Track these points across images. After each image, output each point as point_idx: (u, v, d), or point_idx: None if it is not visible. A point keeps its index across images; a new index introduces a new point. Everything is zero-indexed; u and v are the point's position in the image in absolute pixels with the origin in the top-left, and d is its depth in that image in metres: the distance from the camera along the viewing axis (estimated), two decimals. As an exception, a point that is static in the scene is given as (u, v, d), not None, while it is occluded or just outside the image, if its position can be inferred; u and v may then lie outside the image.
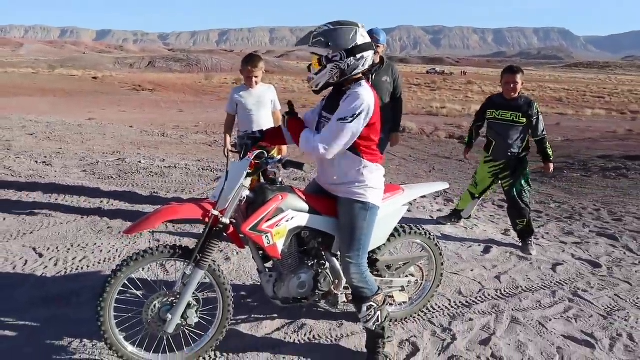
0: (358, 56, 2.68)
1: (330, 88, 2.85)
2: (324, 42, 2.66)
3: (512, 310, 3.78)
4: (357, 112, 2.63)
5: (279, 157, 2.60)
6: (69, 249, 4.46)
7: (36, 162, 7.89)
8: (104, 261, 4.25)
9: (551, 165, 5.19)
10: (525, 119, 5.00)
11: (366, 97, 2.67)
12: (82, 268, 4.13)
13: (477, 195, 5.58)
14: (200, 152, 11.01)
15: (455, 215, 5.79)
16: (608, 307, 3.94)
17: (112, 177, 7.12)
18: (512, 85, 5.02)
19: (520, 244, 5.18)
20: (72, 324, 3.27)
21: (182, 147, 11.69)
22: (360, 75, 2.76)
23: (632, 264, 4.93)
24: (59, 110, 21.36)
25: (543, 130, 5.07)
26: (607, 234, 5.96)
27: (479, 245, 5.16)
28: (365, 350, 3.04)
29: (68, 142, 10.65)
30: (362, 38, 2.70)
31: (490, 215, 6.50)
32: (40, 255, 4.32)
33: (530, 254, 4.98)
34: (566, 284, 4.35)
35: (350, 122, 2.63)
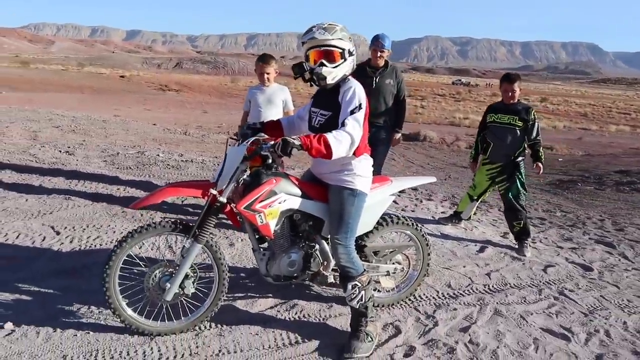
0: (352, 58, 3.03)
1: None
2: (346, 36, 2.96)
3: (497, 303, 3.95)
4: (362, 102, 2.93)
5: (272, 142, 2.83)
6: (84, 229, 4.78)
7: (60, 151, 8.29)
8: (116, 240, 4.54)
9: (541, 166, 5.32)
10: (521, 123, 5.20)
11: (360, 89, 2.99)
12: (95, 246, 4.44)
13: (475, 198, 5.76)
14: (219, 150, 11.32)
15: (456, 217, 5.98)
16: (591, 306, 4.09)
17: (130, 168, 7.47)
18: (510, 93, 5.28)
19: (517, 246, 5.34)
20: (82, 293, 3.56)
21: (203, 145, 12.03)
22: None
23: (624, 270, 5.05)
24: (86, 107, 22.01)
25: (537, 135, 5.24)
26: (605, 241, 6.07)
27: (475, 245, 5.33)
28: (349, 329, 3.26)
29: (92, 135, 11.07)
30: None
31: (493, 219, 6.66)
32: (58, 233, 4.64)
33: (525, 255, 5.14)
34: (554, 283, 4.50)
35: (361, 110, 2.91)
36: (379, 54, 5.61)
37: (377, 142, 5.77)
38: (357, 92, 2.95)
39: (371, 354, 3.11)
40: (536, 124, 5.23)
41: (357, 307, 3.15)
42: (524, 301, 4.06)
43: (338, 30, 2.94)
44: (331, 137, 2.78)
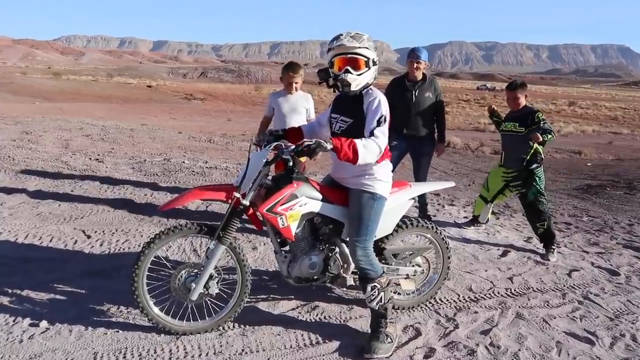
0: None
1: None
2: (372, 46, 3.07)
3: (519, 307, 3.95)
4: (386, 114, 3.04)
5: (293, 146, 2.93)
6: (113, 233, 4.94)
7: (90, 159, 8.54)
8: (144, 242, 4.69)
9: (538, 136, 5.07)
10: (523, 128, 5.22)
11: (384, 99, 3.09)
12: (123, 249, 4.59)
13: (489, 200, 5.77)
14: (243, 157, 11.46)
15: (476, 222, 5.99)
16: (617, 310, 4.05)
17: (157, 175, 7.65)
18: (512, 100, 5.39)
19: (542, 251, 5.31)
20: (111, 293, 3.69)
21: (227, 152, 12.20)
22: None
23: (652, 275, 4.98)
24: (115, 116, 22.52)
25: (548, 130, 5.11)
26: (634, 246, 5.97)
27: (498, 249, 5.32)
28: (369, 330, 3.31)
29: (120, 143, 11.33)
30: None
31: (517, 224, 6.62)
32: (88, 237, 4.82)
33: (549, 260, 5.11)
34: (579, 288, 4.46)
35: (386, 121, 3.02)
36: (415, 65, 5.61)
37: (419, 155, 5.84)
38: (382, 103, 3.04)
39: (391, 354, 3.15)
40: (542, 126, 5.15)
41: (377, 308, 3.21)
42: (547, 305, 4.04)
43: (365, 39, 3.04)
44: (361, 144, 2.89)
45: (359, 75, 3.04)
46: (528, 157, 5.27)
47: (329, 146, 2.84)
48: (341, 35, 3.05)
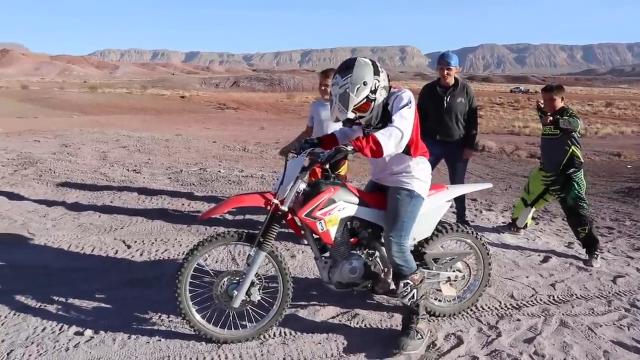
0: (380, 69, 3.07)
1: None
2: (360, 85, 2.98)
3: (563, 314, 3.85)
4: (410, 100, 3.03)
5: (328, 151, 2.94)
6: (152, 242, 5.03)
7: (127, 170, 8.74)
8: (183, 253, 4.74)
9: (549, 117, 5.07)
10: (558, 130, 5.09)
11: (409, 92, 3.09)
12: (163, 258, 4.67)
13: (530, 203, 5.66)
14: (278, 165, 11.52)
15: (514, 225, 5.88)
16: (668, 319, 3.91)
17: (193, 184, 7.77)
18: (549, 102, 5.29)
19: (585, 257, 5.17)
20: (153, 302, 3.75)
21: (262, 160, 12.30)
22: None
23: (702, 280, 4.79)
24: (149, 127, 22.95)
25: (568, 122, 5.00)
26: (682, 251, 5.76)
27: (539, 255, 5.20)
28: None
29: (156, 154, 11.55)
30: (364, 60, 3.08)
31: (557, 229, 6.46)
32: (129, 247, 4.92)
33: (592, 266, 4.97)
34: (625, 295, 4.32)
35: (410, 106, 3.00)
36: (445, 72, 5.55)
37: (454, 160, 5.78)
38: (405, 94, 3.06)
39: (419, 351, 3.17)
40: (568, 118, 5.02)
41: (409, 304, 3.24)
42: (592, 313, 3.93)
43: (350, 93, 2.97)
44: (379, 134, 2.89)
45: (370, 113, 3.09)
46: (564, 162, 5.16)
47: (349, 148, 2.85)
48: (333, 106, 3.06)
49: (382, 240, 3.32)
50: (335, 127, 5.02)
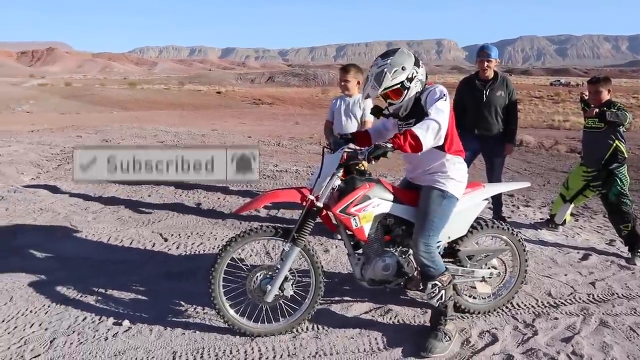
0: (420, 64, 3.08)
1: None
2: (398, 69, 3.00)
3: (603, 314, 3.74)
4: (444, 94, 3.00)
5: (366, 148, 2.93)
6: (189, 236, 5.13)
7: (165, 164, 8.89)
8: (218, 247, 4.81)
9: (594, 110, 4.95)
10: (603, 124, 4.93)
11: (442, 87, 3.05)
12: (199, 252, 4.76)
13: (568, 199, 5.51)
14: (312, 160, 11.56)
15: (552, 221, 5.74)
16: None
17: (229, 179, 7.86)
18: (594, 94, 5.10)
19: (627, 255, 5.02)
20: (188, 295, 3.82)
21: (296, 155, 12.35)
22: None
23: None
24: (186, 122, 23.33)
25: (616, 116, 4.84)
26: None
27: (578, 252, 5.07)
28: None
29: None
30: (407, 51, 3.09)
31: (597, 226, 6.28)
32: (165, 240, 5.02)
33: (635, 264, 4.82)
34: (670, 294, 4.18)
35: (445, 99, 2.97)
36: (485, 64, 5.44)
37: (492, 155, 5.69)
38: (439, 88, 3.04)
39: (447, 353, 3.13)
40: (615, 111, 4.86)
41: (437, 305, 3.20)
42: (635, 313, 3.80)
43: (387, 73, 2.98)
44: (416, 128, 2.87)
45: (402, 100, 3.07)
46: (607, 156, 5.00)
47: (389, 145, 2.83)
48: (365, 85, 3.08)
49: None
50: (351, 123, 5.00)
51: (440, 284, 3.16)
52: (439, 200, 3.13)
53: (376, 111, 3.24)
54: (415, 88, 3.07)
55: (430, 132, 2.85)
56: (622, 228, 5.03)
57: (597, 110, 4.93)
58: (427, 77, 3.14)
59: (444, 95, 2.99)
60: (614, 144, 4.97)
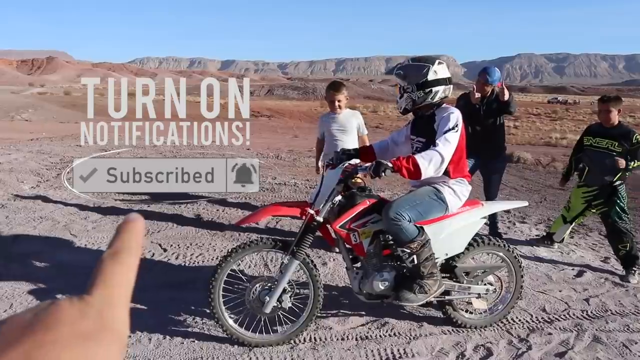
0: (427, 90, 3.14)
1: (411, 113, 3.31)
2: (402, 75, 3.18)
3: (596, 330, 3.79)
4: (458, 123, 3.08)
5: (367, 164, 3.00)
6: (188, 246, 5.17)
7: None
8: (217, 258, 4.86)
9: (623, 162, 4.91)
10: (620, 148, 4.96)
11: (458, 113, 3.13)
12: (198, 262, 4.80)
13: (569, 220, 5.54)
14: (311, 173, 11.57)
15: (548, 238, 5.78)
16: None
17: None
18: (604, 113, 5.09)
19: (621, 272, 5.07)
20: (187, 305, 3.86)
21: (295, 169, 12.40)
22: (439, 101, 3.21)
23: None
24: (185, 133, 23.38)
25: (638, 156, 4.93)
26: None
27: (573, 269, 5.13)
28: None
29: (192, 159, 11.80)
30: (434, 74, 3.13)
31: (593, 243, 6.34)
32: (165, 250, 5.07)
33: (629, 282, 4.87)
34: (663, 312, 4.23)
35: (456, 130, 3.05)
36: (482, 86, 5.50)
37: (489, 172, 5.73)
38: (452, 116, 3.09)
39: (418, 305, 3.30)
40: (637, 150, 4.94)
41: (410, 266, 3.25)
42: (627, 329, 3.85)
43: (402, 67, 3.25)
44: (419, 157, 2.94)
45: (398, 100, 3.27)
46: (615, 179, 5.03)
47: (389, 164, 2.92)
48: (400, 93, 3.26)
49: None
50: (347, 139, 4.92)
51: (409, 250, 3.19)
52: (431, 194, 3.21)
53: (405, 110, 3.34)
54: (405, 101, 3.21)
55: (433, 164, 2.94)
56: (621, 248, 5.06)
57: (623, 165, 4.87)
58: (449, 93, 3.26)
59: (456, 126, 3.06)
60: (631, 165, 4.95)
